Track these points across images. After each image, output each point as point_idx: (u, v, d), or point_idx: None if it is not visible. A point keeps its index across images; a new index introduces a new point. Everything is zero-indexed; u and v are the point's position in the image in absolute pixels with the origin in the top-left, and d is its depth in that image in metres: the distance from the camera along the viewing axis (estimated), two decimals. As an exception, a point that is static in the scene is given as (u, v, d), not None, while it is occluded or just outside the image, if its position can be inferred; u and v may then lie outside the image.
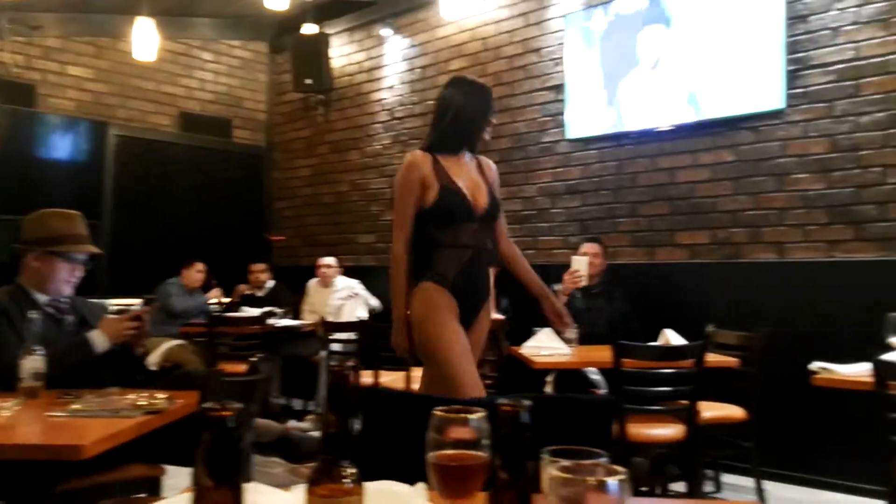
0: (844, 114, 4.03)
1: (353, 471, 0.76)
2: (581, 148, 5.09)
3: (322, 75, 6.73)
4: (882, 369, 2.35)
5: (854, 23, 4.00)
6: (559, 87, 5.16)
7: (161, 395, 1.92)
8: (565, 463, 0.59)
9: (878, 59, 3.93)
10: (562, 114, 5.13)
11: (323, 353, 4.83)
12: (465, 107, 2.72)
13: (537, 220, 5.32)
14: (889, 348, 2.76)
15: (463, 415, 0.82)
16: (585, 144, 5.06)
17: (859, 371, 2.63)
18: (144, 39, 5.86)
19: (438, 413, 0.83)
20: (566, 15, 5.11)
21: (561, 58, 5.14)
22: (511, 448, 0.68)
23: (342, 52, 6.84)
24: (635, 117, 4.75)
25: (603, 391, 3.84)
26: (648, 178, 4.75)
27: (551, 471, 0.59)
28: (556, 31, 5.21)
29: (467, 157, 2.79)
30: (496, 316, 4.92)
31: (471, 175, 2.76)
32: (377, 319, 5.76)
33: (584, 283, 4.17)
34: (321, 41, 6.75)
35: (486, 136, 2.80)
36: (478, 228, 2.75)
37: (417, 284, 2.67)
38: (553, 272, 4.59)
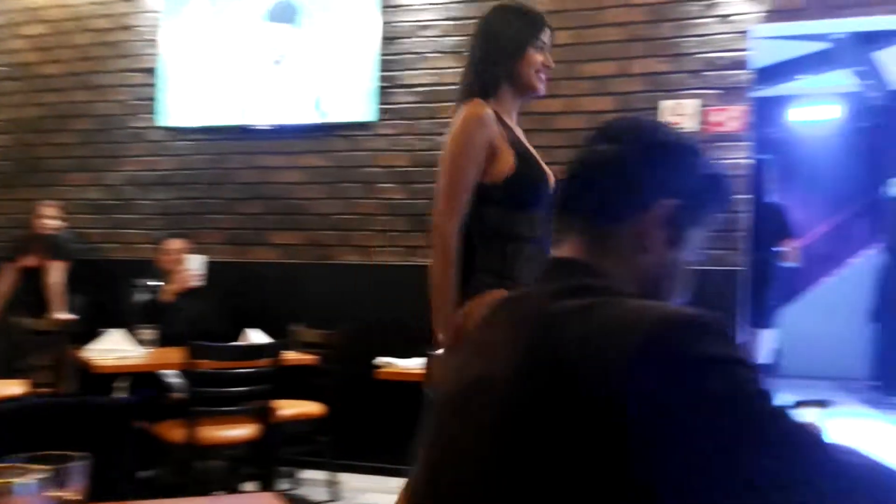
0: (425, 132, 4.41)
1: None
2: (175, 138, 4.81)
3: None
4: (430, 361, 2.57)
5: (435, 51, 4.41)
6: (152, 71, 4.82)
7: None
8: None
9: (455, 87, 4.36)
10: (155, 99, 4.80)
11: None
12: (503, 37, 2.05)
13: (122, 212, 4.90)
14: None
15: None
16: (180, 134, 4.80)
17: (416, 364, 2.86)
18: None
19: None
20: (166, -4, 4.81)
21: (156, 40, 4.81)
22: None
23: None
24: (236, 112, 4.64)
25: (182, 394, 3.64)
26: (245, 176, 4.68)
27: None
28: (151, 12, 4.86)
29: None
30: (67, 316, 4.42)
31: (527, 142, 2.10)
32: None
33: (197, 282, 3.97)
34: None
35: (538, 83, 2.08)
36: (544, 216, 2.03)
37: (479, 293, 1.91)
38: (136, 268, 4.27)
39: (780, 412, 0.73)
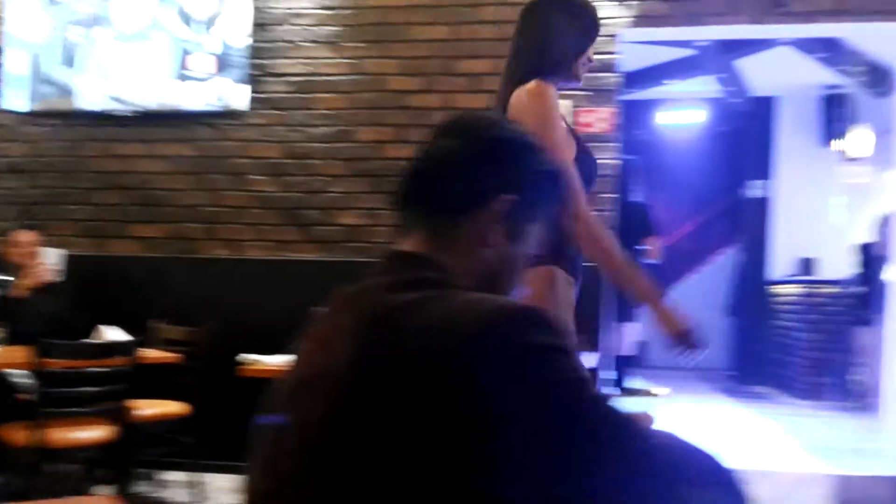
0: (299, 124, 4.31)
1: None
2: (25, 122, 4.48)
3: None
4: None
5: (309, 40, 4.31)
6: (-2, 50, 4.48)
7: None
8: None
9: (330, 78, 4.30)
10: (1, 81, 4.45)
11: None
12: (573, 37, 2.13)
13: (-37, 201, 4.52)
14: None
15: None
16: (31, 119, 4.47)
17: (282, 361, 2.78)
18: None
19: None
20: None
21: (2, 16, 4.46)
22: None
23: None
24: (93, 96, 4.37)
25: (29, 395, 3.42)
26: (102, 164, 4.42)
27: None
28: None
29: None
30: None
31: None
32: None
33: (53, 277, 3.74)
34: None
35: (583, 74, 2.18)
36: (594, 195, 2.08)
37: (543, 265, 1.90)
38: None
39: (600, 398, 0.77)
